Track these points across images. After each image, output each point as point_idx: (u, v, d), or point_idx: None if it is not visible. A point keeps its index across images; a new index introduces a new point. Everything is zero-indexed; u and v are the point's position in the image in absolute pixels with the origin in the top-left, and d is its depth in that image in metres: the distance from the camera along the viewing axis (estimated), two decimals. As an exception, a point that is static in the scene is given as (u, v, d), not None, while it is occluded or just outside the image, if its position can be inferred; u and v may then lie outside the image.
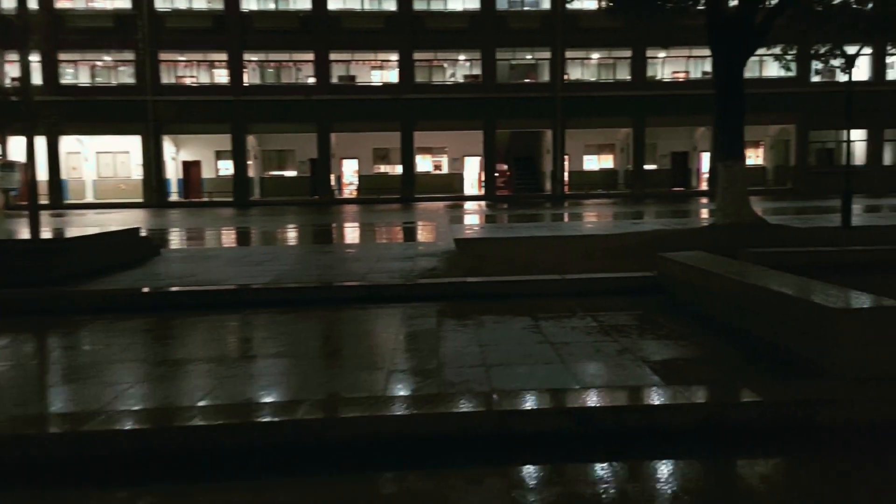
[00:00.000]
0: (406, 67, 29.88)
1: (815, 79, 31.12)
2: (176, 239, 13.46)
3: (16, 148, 30.08)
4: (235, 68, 29.25)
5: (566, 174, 31.81)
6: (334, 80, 30.08)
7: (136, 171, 31.42)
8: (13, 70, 29.18)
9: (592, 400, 3.38)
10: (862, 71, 28.35)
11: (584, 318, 5.33)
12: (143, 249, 8.91)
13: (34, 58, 28.90)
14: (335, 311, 5.78)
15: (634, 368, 4.04)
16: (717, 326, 4.88)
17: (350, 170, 33.62)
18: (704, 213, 18.24)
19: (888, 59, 30.42)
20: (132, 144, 30.88)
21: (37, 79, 29.07)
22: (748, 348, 4.34)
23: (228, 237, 13.64)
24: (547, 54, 30.45)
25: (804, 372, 3.77)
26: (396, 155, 31.36)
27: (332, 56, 29.69)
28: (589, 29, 29.93)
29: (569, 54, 30.54)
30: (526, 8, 30.30)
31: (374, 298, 6.16)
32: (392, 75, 30.60)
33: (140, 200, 30.20)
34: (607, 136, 32.98)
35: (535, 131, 32.53)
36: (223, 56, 29.33)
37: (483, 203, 27.32)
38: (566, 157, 31.52)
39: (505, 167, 34.48)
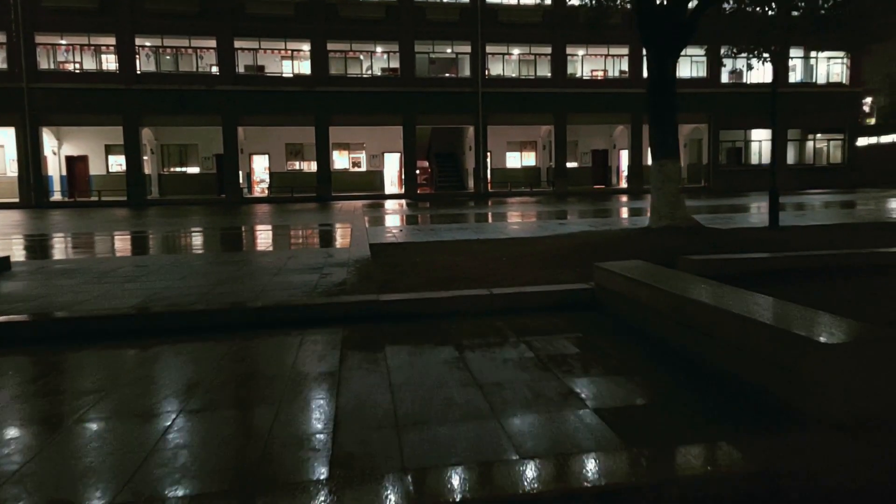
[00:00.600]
0: (319, 58, 28.09)
1: (725, 80, 32.03)
2: (42, 247, 11.23)
3: None
4: (126, 54, 26.41)
5: (489, 171, 31.08)
6: (240, 69, 27.84)
7: (12, 168, 27.90)
8: None
9: (540, 479, 2.27)
10: (766, 72, 29.31)
11: (517, 344, 4.23)
12: None
13: None
14: (206, 342, 4.33)
15: (585, 421, 2.94)
16: (668, 352, 3.97)
17: (261, 166, 31.42)
18: (626, 213, 17.89)
19: (790, 62, 31.72)
20: (5, 137, 27.39)
21: None
22: (708, 384, 3.41)
23: (106, 245, 11.48)
24: (467, 48, 29.55)
25: (781, 417, 2.91)
26: (311, 151, 29.51)
27: (238, 44, 27.43)
28: (509, 23, 29.33)
29: (490, 49, 29.77)
30: (445, 0, 29.27)
31: (264, 323, 4.78)
32: (304, 66, 28.71)
33: (16, 200, 26.79)
34: (529, 133, 32.55)
35: (457, 127, 31.60)
36: (111, 40, 26.41)
37: (404, 202, 26.00)
38: (489, 153, 30.79)
39: (426, 164, 33.36)
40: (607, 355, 3.96)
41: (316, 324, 4.80)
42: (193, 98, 26.91)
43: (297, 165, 31.39)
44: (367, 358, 3.93)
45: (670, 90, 9.37)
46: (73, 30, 26.16)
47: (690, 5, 9.46)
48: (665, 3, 9.46)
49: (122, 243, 11.70)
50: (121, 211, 23.13)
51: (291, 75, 28.57)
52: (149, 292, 5.69)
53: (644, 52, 9.98)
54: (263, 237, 12.58)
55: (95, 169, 29.90)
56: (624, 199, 25.42)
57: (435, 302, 5.20)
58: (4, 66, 25.81)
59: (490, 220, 15.92)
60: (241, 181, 28.68)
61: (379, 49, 29.41)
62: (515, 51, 30.63)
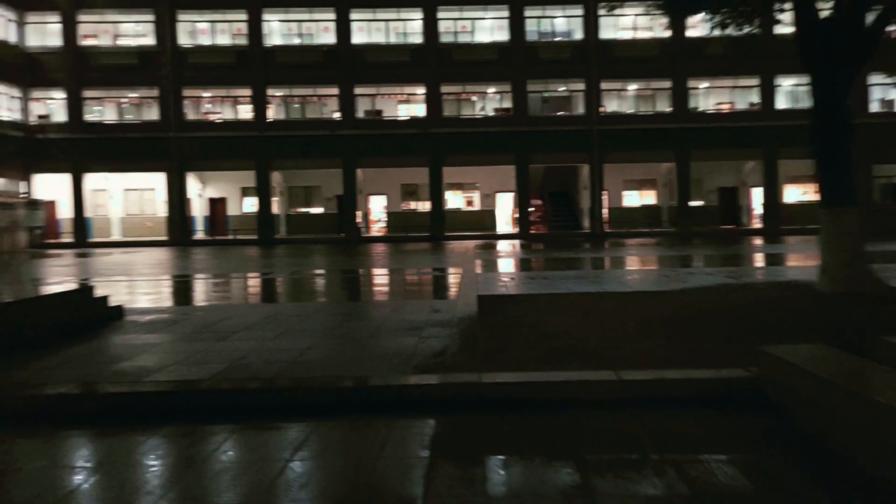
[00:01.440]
0: (433, 101, 28.80)
1: (876, 108, 28.83)
2: (167, 290, 12.04)
3: (41, 186, 30.10)
4: (259, 104, 28.65)
5: (605, 211, 29.98)
6: (360, 114, 29.17)
7: (162, 209, 30.95)
8: (39, 108, 29.29)
9: None
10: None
11: (661, 469, 3.21)
12: (97, 313, 7.18)
13: (59, 95, 29.05)
14: (267, 431, 3.99)
15: None
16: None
17: (378, 206, 32.51)
18: (767, 261, 15.92)
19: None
20: (158, 181, 30.49)
21: (62, 116, 29.11)
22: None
23: (221, 289, 12.06)
24: (581, 86, 28.98)
25: None
26: (425, 191, 30.11)
27: (357, 90, 28.84)
28: (625, 59, 28.43)
29: (604, 85, 29.00)
30: (557, 38, 29.01)
31: (345, 405, 4.38)
32: (419, 109, 29.55)
33: (165, 238, 29.61)
34: (648, 170, 31.10)
35: (571, 166, 30.90)
36: (247, 92, 28.79)
37: (517, 242, 25.61)
38: (605, 192, 29.74)
39: (539, 203, 32.85)
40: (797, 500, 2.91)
41: (406, 409, 4.34)
42: (317, 143, 28.52)
43: (411, 205, 32.13)
44: (462, 476, 3.25)
45: (844, 123, 7.88)
46: (214, 83, 28.83)
47: (870, 17, 7.91)
48: (836, 16, 8.00)
49: (237, 287, 12.20)
50: (251, 250, 24.65)
51: (407, 118, 29.50)
52: (236, 355, 5.46)
53: (806, 77, 8.35)
54: (372, 284, 12.59)
55: (232, 210, 32.44)
56: (758, 242, 23.24)
57: (549, 387, 4.43)
58: (157, 117, 28.87)
59: (608, 265, 14.95)
60: (358, 221, 29.80)
61: (491, 89, 29.64)
62: (632, 86, 29.59)
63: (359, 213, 30.01)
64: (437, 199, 29.43)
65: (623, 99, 29.87)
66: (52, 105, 29.15)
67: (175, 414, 4.26)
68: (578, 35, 29.12)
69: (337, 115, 29.10)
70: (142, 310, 8.30)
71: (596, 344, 5.50)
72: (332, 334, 6.26)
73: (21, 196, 28.32)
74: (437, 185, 29.28)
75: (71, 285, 9.19)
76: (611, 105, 29.67)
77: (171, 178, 29.03)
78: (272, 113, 29.38)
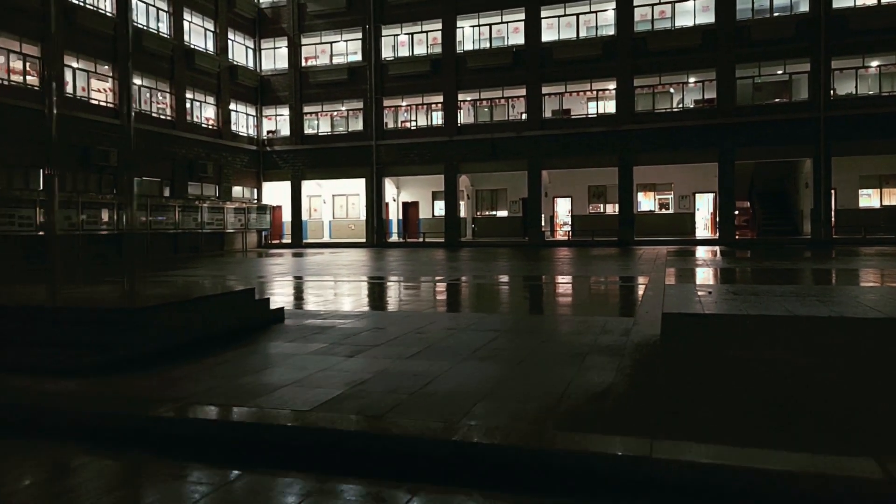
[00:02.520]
0: (625, 96, 27.06)
1: None
2: (344, 290, 11.86)
3: (268, 193, 34.50)
4: (450, 109, 29.58)
5: (832, 213, 25.36)
6: (547, 114, 28.56)
7: (364, 213, 33.52)
8: (270, 124, 33.62)
9: None
10: None
11: None
12: (258, 316, 6.72)
13: (284, 112, 33.05)
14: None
15: None
16: None
17: (563, 209, 31.50)
18: None
19: None
20: (361, 187, 33.12)
21: (285, 130, 33.06)
22: None
23: (392, 292, 11.57)
24: (805, 66, 24.97)
25: None
26: (614, 192, 28.39)
27: (545, 89, 28.27)
28: (865, 30, 23.85)
29: (835, 64, 24.64)
30: (776, 14, 25.40)
31: (460, 463, 3.10)
32: (609, 105, 28.00)
33: (363, 240, 31.94)
34: (893, 164, 25.67)
35: (788, 161, 26.76)
36: (439, 98, 29.92)
37: (717, 249, 22.69)
38: (833, 191, 25.19)
39: (747, 205, 29.00)
40: None
41: (541, 481, 2.93)
42: (503, 145, 28.53)
43: (600, 208, 30.57)
44: None
45: None
46: (410, 92, 30.46)
47: None
48: None
49: (407, 291, 11.69)
50: (437, 252, 25.32)
51: (595, 115, 28.13)
52: (357, 378, 4.43)
53: None
54: (544, 293, 11.26)
55: (424, 213, 33.97)
56: None
57: (765, 478, 2.65)
58: (361, 127, 31.36)
59: (840, 279, 11.64)
60: (542, 224, 29.10)
61: (692, 79, 26.95)
62: (874, 62, 24.70)
63: (543, 217, 29.31)
64: (627, 201, 27.50)
65: (861, 79, 25.08)
66: (279, 120, 33.32)
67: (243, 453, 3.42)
68: (803, 7, 25.21)
69: (523, 116, 28.85)
70: (305, 313, 8.00)
71: (838, 401, 3.73)
72: (475, 356, 5.10)
73: (252, 202, 32.71)
74: (627, 186, 27.38)
75: (235, 286, 9.13)
76: (842, 87, 25.11)
77: (370, 184, 31.25)
78: (461, 117, 30.14)
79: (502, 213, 32.28)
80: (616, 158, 27.18)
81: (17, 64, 21.07)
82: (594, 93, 28.35)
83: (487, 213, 32.72)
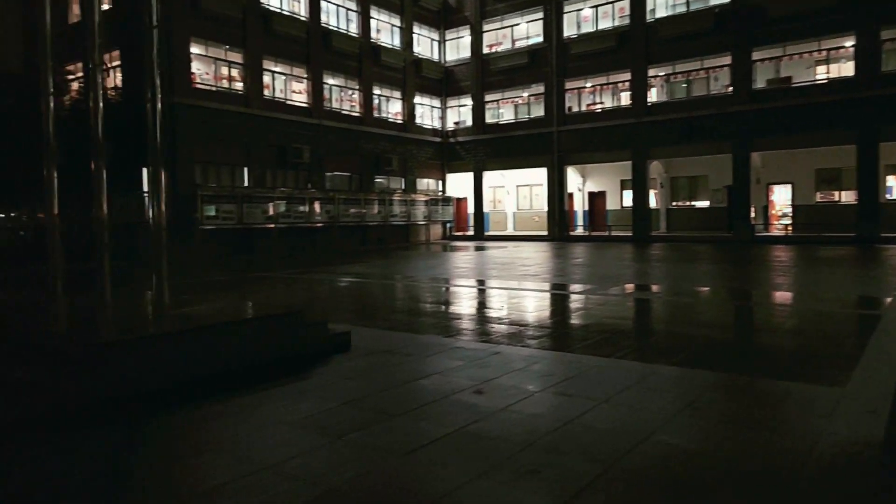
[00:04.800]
0: (868, 53, 21.42)
1: None
2: (501, 298, 10.00)
3: (452, 184, 34.48)
4: (639, 87, 26.40)
5: None
6: (758, 84, 23.91)
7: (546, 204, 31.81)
8: (453, 115, 33.49)
9: None
10: None
11: None
12: (312, 343, 5.40)
13: (467, 101, 32.61)
14: None
15: None
16: None
17: (781, 198, 26.35)
18: None
19: None
20: (545, 177, 31.43)
21: (467, 120, 32.63)
22: None
23: (533, 301, 9.48)
24: None
25: None
26: (850, 176, 22.84)
27: (756, 54, 23.66)
28: None
29: None
30: None
31: None
32: (846, 68, 22.46)
33: (545, 233, 30.28)
34: None
35: None
36: (626, 76, 26.88)
37: None
38: None
39: None
40: None
41: None
42: (702, 124, 24.62)
43: (833, 196, 24.93)
44: None
45: None
46: (594, 72, 27.87)
47: None
48: None
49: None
50: (623, 248, 22.74)
51: (825, 81, 22.79)
52: (335, 480, 2.67)
53: None
54: (741, 319, 8.01)
55: (611, 204, 31.14)
56: None
57: None
58: (542, 113, 29.60)
59: None
60: (752, 216, 24.58)
61: (975, 25, 20.37)
62: None
63: (753, 208, 24.75)
64: (870, 188, 21.88)
65: None
66: (462, 111, 33.03)
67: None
68: None
69: (728, 89, 24.55)
70: (380, 339, 6.09)
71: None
72: (538, 447, 3.03)
73: (437, 194, 32.98)
74: (870, 169, 21.76)
75: (275, 309, 6.58)
76: None
77: (551, 173, 29.41)
78: (652, 95, 26.75)
79: (702, 204, 28.11)
80: (854, 134, 21.73)
81: (223, 70, 23.36)
82: (823, 53, 22.97)
83: (684, 203, 28.77)
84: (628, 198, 29.31)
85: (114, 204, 20.34)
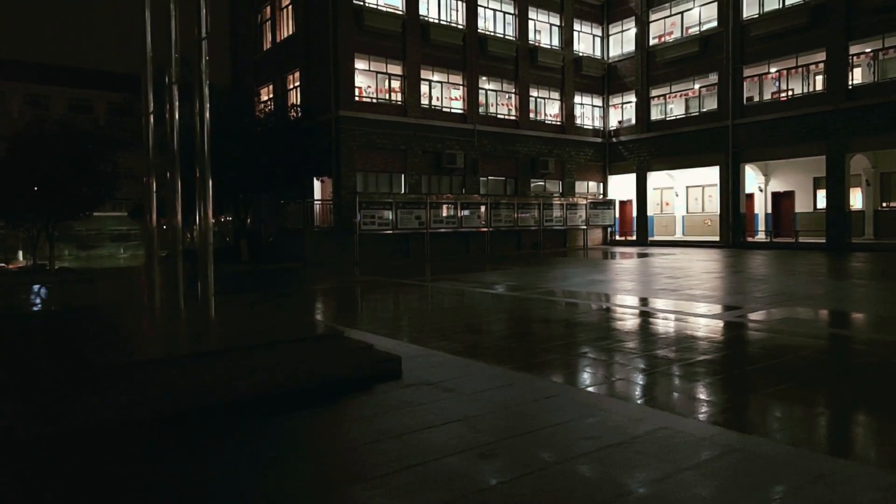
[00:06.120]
0: None
1: None
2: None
3: (614, 186, 32.58)
4: (836, 69, 22.58)
5: None
6: None
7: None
8: (616, 114, 31.67)
9: None
10: None
11: None
12: (356, 368, 4.95)
13: (631, 98, 30.63)
14: None
15: None
16: None
17: None
18: None
19: None
20: (717, 176, 28.41)
21: (631, 118, 30.63)
22: None
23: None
24: None
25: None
26: None
27: None
28: None
29: None
30: None
31: None
32: None
33: (716, 239, 27.34)
34: None
35: None
36: (819, 56, 23.15)
37: None
38: None
39: None
40: None
41: None
42: (921, 108, 20.37)
43: None
44: None
45: None
46: (779, 55, 24.45)
47: None
48: None
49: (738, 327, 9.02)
50: (808, 257, 19.75)
51: None
52: None
53: None
54: None
55: (801, 206, 27.19)
56: None
57: None
58: (715, 106, 26.72)
59: None
60: None
61: None
62: None
63: None
64: None
65: None
66: (625, 108, 31.11)
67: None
68: None
69: (959, 63, 20.03)
70: (447, 368, 5.34)
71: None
72: None
73: (598, 197, 31.45)
74: None
75: (318, 328, 6.75)
76: None
77: (724, 172, 26.44)
78: (854, 77, 22.74)
79: (924, 204, 23.32)
80: None
81: (383, 82, 24.43)
82: None
83: (897, 203, 24.12)
84: (822, 198, 25.32)
85: (286, 210, 22.17)
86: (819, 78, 23.49)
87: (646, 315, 8.96)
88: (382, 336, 7.01)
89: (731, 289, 11.62)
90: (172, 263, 7.29)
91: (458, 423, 3.77)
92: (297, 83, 25.22)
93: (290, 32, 25.67)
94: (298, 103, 24.46)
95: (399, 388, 4.67)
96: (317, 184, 24.17)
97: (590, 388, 5.02)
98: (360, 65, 23.31)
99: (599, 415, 3.94)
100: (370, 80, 23.92)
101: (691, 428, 3.74)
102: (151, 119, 8.04)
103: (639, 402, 4.67)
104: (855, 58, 22.53)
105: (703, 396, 4.76)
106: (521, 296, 11.42)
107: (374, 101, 23.70)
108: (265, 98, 26.65)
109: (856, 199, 24.78)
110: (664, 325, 8.07)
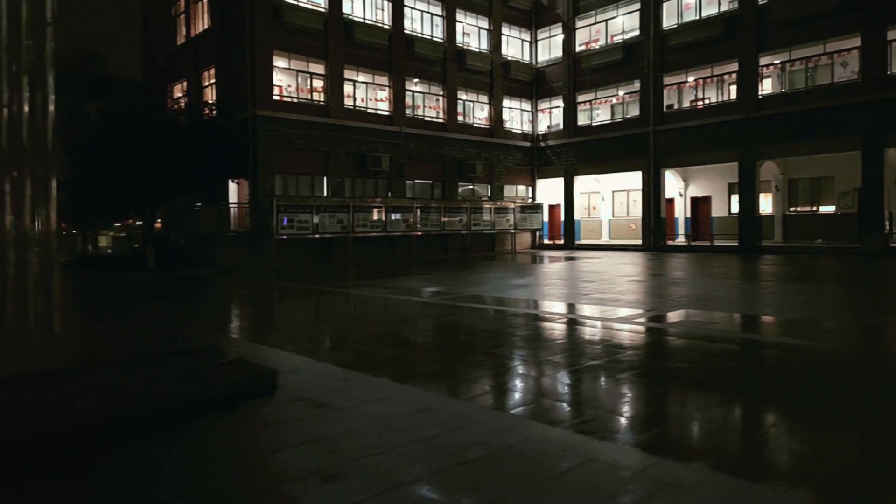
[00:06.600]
0: None
1: None
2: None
3: (543, 191, 32.85)
4: (747, 79, 23.45)
5: None
6: (894, 69, 20.33)
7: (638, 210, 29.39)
8: (544, 118, 31.94)
9: None
10: None
11: None
12: (227, 385, 4.54)
13: (559, 103, 30.93)
14: None
15: None
16: None
17: (929, 203, 22.30)
18: None
19: None
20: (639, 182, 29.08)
21: (558, 123, 30.94)
22: None
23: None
24: None
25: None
26: None
27: (893, 33, 20.11)
28: None
29: None
30: None
31: None
32: None
33: (639, 242, 27.93)
34: None
35: None
36: (733, 67, 24.00)
37: None
38: None
39: None
40: None
41: None
42: (823, 118, 21.38)
43: None
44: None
45: None
46: (696, 64, 25.21)
47: None
48: None
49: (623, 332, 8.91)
50: (722, 260, 20.34)
51: None
52: None
53: None
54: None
55: (718, 210, 28.14)
56: None
57: None
58: (638, 113, 27.32)
59: None
60: (886, 225, 20.94)
61: None
62: None
63: (891, 215, 21.10)
64: None
65: None
66: (553, 113, 31.40)
67: None
68: None
69: (855, 76, 21.11)
70: (328, 381, 4.92)
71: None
72: None
73: (527, 201, 31.57)
74: None
75: (187, 342, 6.18)
76: None
77: (646, 177, 27.05)
78: (764, 87, 23.70)
79: (827, 209, 24.49)
80: None
81: (304, 81, 23.58)
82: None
83: (803, 209, 25.25)
84: (736, 203, 26.27)
85: (199, 214, 20.98)
86: (733, 88, 24.33)
87: (552, 320, 8.71)
88: (271, 347, 6.73)
89: (644, 293, 11.61)
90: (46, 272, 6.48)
91: (317, 443, 3.44)
92: (213, 80, 24.04)
93: (206, 27, 24.45)
94: (214, 101, 23.31)
95: (269, 405, 4.33)
96: (233, 186, 23.07)
97: (470, 399, 4.66)
98: (279, 62, 22.41)
99: (469, 428, 3.70)
100: (291, 79, 23.05)
101: (558, 436, 3.65)
102: (6, 112, 7.14)
103: (515, 412, 4.39)
104: (765, 69, 23.46)
105: (579, 404, 4.45)
106: (435, 301, 11.02)
107: (295, 100, 22.84)
108: (178, 95, 25.25)
109: (767, 204, 25.82)
110: (568, 330, 7.83)
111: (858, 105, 20.56)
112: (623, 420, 4.18)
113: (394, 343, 7.38)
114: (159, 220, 23.49)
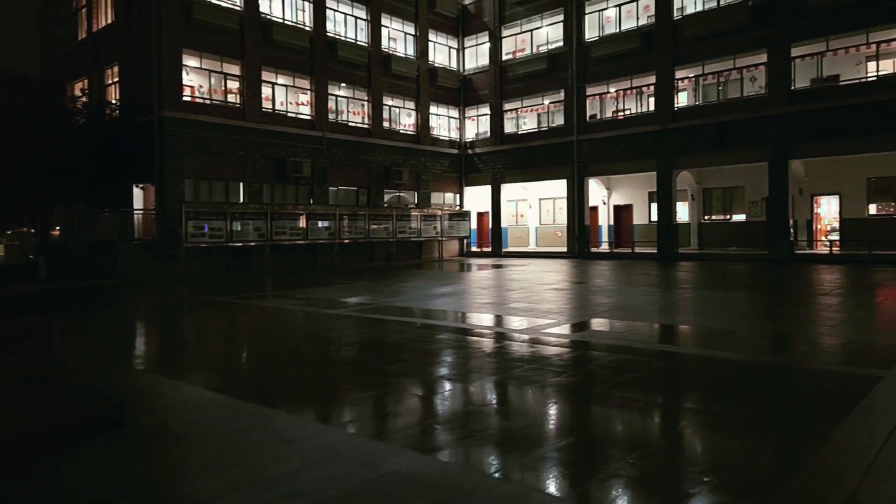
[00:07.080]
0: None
1: None
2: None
3: (470, 198, 32.75)
4: (664, 91, 24.13)
5: None
6: (799, 84, 21.36)
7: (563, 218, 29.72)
8: (472, 125, 31.85)
9: None
10: None
11: None
12: (58, 422, 3.79)
13: (486, 111, 30.93)
14: None
15: None
16: None
17: (829, 211, 23.55)
18: None
19: None
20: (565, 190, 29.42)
21: (486, 131, 30.91)
22: None
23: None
24: None
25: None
26: (909, 187, 20.02)
27: (796, 51, 21.13)
28: None
29: None
30: None
31: None
32: (888, 64, 19.73)
33: (564, 250, 28.19)
34: None
35: None
36: (651, 79, 24.65)
37: None
38: None
39: None
40: None
41: None
42: (734, 130, 22.21)
43: (890, 209, 22.03)
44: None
45: None
46: (616, 76, 25.73)
47: None
48: None
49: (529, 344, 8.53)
50: (641, 267, 20.66)
51: (875, 78, 20.06)
52: None
53: None
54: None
55: (639, 218, 28.83)
56: None
57: None
58: (562, 122, 27.63)
59: None
60: (791, 233, 21.93)
61: None
62: None
63: (796, 223, 22.11)
64: (932, 199, 19.04)
65: None
66: (481, 121, 31.36)
67: None
68: None
69: (763, 90, 22.08)
70: (190, 410, 4.41)
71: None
72: None
73: (455, 208, 31.33)
74: (933, 177, 18.93)
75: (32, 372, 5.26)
76: None
77: (571, 185, 27.37)
78: (680, 100, 24.46)
79: (739, 217, 25.50)
80: (912, 138, 18.98)
81: (218, 82, 22.41)
82: (872, 48, 20.26)
83: (717, 217, 26.21)
84: (656, 211, 26.97)
85: (98, 221, 19.39)
86: (651, 99, 24.95)
87: (466, 332, 8.29)
88: (141, 371, 6.01)
89: (563, 301, 11.41)
90: None
91: (151, 486, 2.81)
92: (117, 79, 22.49)
93: (109, 21, 22.87)
94: (117, 101, 21.79)
95: (112, 440, 3.76)
96: (138, 192, 21.59)
97: (341, 427, 4.12)
98: (190, 62, 21.19)
99: (327, 467, 3.22)
100: (203, 80, 21.85)
101: (424, 474, 3.19)
102: None
103: (383, 442, 3.89)
104: (680, 82, 24.20)
105: (462, 432, 3.97)
106: (347, 314, 10.40)
107: (208, 102, 21.65)
108: (79, 94, 23.48)
109: (684, 213, 26.63)
110: (478, 343, 7.41)
111: (766, 118, 21.47)
112: (501, 448, 3.74)
113: (288, 362, 6.76)
114: (57, 228, 21.63)
